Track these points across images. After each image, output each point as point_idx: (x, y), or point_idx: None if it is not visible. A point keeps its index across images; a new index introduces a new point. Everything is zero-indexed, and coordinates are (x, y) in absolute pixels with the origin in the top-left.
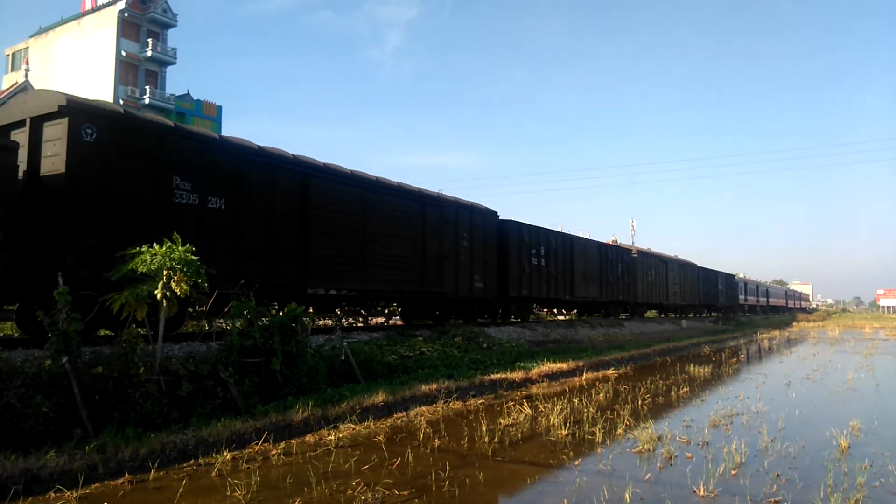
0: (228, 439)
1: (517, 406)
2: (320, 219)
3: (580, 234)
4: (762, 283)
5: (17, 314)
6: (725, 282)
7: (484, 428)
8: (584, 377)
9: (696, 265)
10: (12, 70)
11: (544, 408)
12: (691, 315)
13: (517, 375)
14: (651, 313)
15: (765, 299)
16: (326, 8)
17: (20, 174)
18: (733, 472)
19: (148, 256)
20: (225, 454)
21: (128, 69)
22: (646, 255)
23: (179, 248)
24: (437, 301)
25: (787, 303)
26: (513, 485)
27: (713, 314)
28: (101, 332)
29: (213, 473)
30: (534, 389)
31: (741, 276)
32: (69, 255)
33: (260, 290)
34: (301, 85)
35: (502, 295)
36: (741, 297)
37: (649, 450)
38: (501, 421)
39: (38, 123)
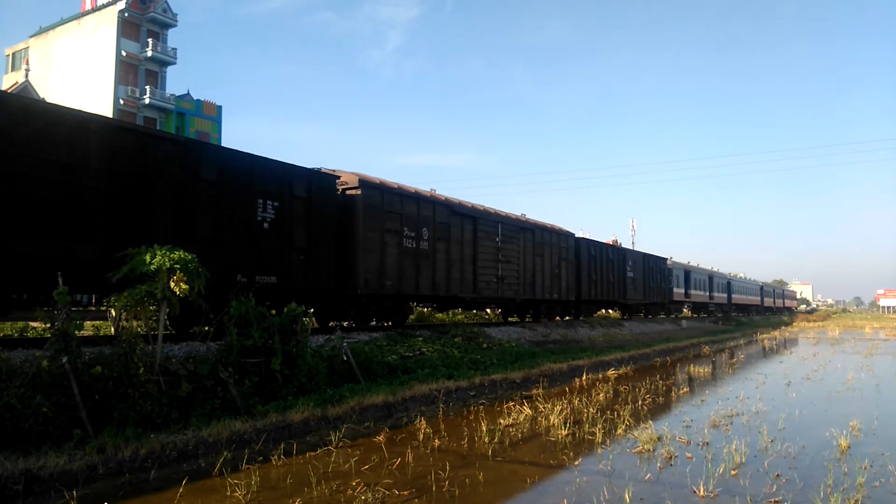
0: (228, 439)
1: (517, 406)
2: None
3: (580, 235)
4: (719, 273)
5: None
6: (644, 266)
7: (484, 428)
8: (584, 377)
9: (571, 234)
10: (12, 70)
11: (544, 408)
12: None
13: (517, 375)
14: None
15: (723, 295)
16: (327, 8)
17: None
18: (733, 473)
19: (148, 257)
20: (225, 454)
21: (128, 69)
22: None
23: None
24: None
25: (763, 301)
26: (513, 485)
27: (611, 312)
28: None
29: (213, 473)
30: (534, 389)
31: (676, 261)
32: None
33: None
34: (301, 85)
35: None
36: (678, 289)
37: (649, 450)
38: (501, 421)
39: None
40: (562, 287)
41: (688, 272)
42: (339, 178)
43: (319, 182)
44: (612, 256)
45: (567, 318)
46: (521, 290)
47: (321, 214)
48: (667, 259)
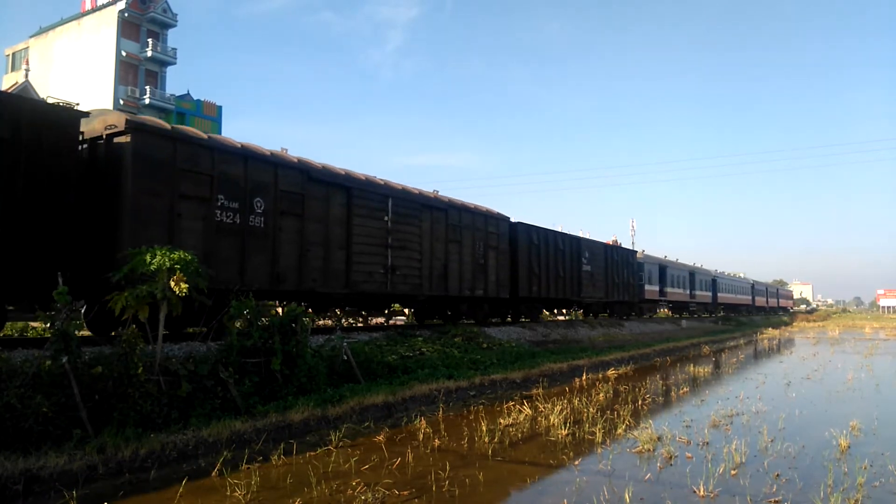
0: (228, 439)
1: (517, 406)
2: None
3: (579, 234)
4: (702, 270)
5: None
6: (607, 259)
7: (484, 428)
8: (584, 377)
9: (504, 218)
10: (12, 70)
11: (544, 408)
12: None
13: (517, 375)
14: None
15: (707, 294)
16: (327, 8)
17: None
18: (733, 473)
19: (148, 257)
20: (225, 454)
21: (128, 69)
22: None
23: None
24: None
25: (754, 300)
26: (513, 485)
27: (565, 314)
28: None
29: (213, 473)
30: (534, 389)
31: (650, 255)
32: None
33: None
34: (301, 85)
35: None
36: (651, 287)
37: (649, 450)
38: (501, 421)
39: None
40: (489, 282)
41: (663, 267)
42: (86, 114)
43: (39, 117)
44: (563, 247)
45: (495, 319)
46: (426, 284)
47: (41, 168)
48: (637, 252)
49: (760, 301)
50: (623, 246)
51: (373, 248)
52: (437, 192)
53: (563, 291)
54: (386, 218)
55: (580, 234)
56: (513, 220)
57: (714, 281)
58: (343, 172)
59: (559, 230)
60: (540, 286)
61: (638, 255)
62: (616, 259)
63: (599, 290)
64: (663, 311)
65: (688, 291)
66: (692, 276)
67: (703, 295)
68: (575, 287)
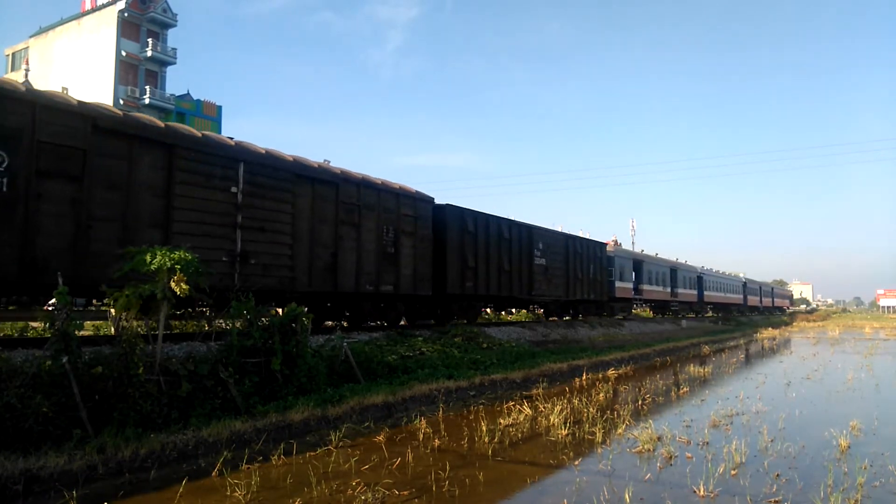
0: (228, 439)
1: (517, 406)
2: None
3: (579, 235)
4: (686, 266)
5: None
6: (567, 252)
7: (484, 428)
8: (584, 377)
9: (427, 199)
10: (12, 70)
11: (544, 408)
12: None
13: (517, 375)
14: None
15: (692, 292)
16: (327, 8)
17: None
18: (733, 473)
19: (148, 257)
20: (225, 454)
21: (128, 69)
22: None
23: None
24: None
25: (746, 299)
26: (513, 485)
27: (519, 313)
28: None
29: (214, 473)
30: (534, 389)
31: (624, 248)
32: None
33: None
34: (301, 85)
35: None
36: (623, 283)
37: (649, 450)
38: (501, 421)
39: None
40: (402, 276)
41: (639, 262)
42: None
43: None
44: (508, 235)
45: (420, 321)
46: (302, 277)
47: None
48: (606, 244)
49: (753, 300)
50: (584, 237)
51: (212, 227)
52: (328, 161)
53: (508, 289)
54: (235, 189)
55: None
56: (442, 201)
57: (700, 278)
58: (163, 126)
59: (512, 219)
60: (477, 282)
61: (608, 248)
62: (580, 252)
63: (557, 287)
64: (641, 312)
65: (668, 289)
66: (674, 272)
67: (687, 293)
68: (525, 283)
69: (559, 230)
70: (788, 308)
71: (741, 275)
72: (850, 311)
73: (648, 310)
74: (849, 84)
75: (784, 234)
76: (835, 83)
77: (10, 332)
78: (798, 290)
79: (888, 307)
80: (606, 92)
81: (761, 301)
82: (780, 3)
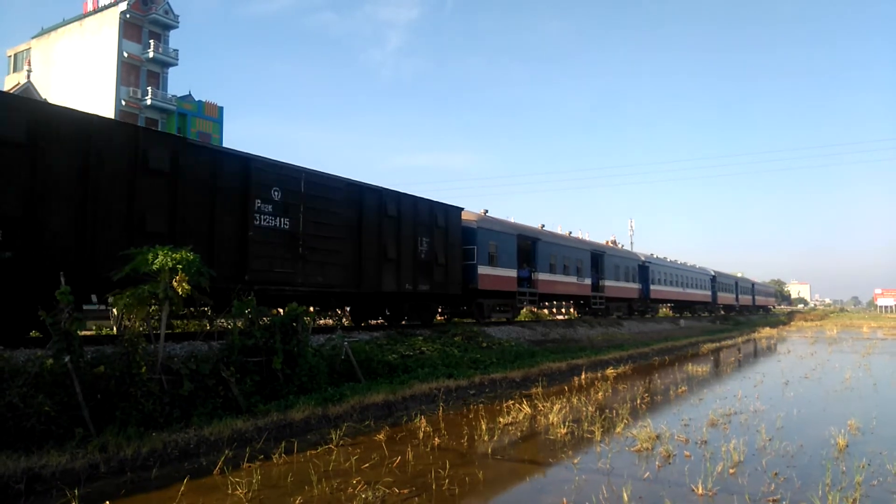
0: (230, 438)
1: (516, 405)
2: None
3: (579, 235)
4: (623, 253)
5: None
6: (359, 216)
7: (484, 427)
8: (583, 376)
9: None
10: (14, 71)
11: (543, 407)
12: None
13: (517, 374)
14: None
15: (634, 286)
16: (327, 9)
17: None
18: (732, 471)
19: (150, 256)
20: (226, 453)
21: (129, 70)
22: None
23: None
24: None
25: (715, 297)
26: (512, 483)
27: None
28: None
29: (215, 472)
30: (533, 388)
31: (507, 221)
32: None
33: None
34: (302, 85)
35: None
36: (493, 270)
37: (648, 448)
38: (501, 420)
39: None
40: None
41: (534, 241)
42: None
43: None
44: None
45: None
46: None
47: None
48: (461, 209)
49: (726, 298)
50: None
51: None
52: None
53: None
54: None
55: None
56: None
57: (644, 269)
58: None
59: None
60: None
61: (466, 217)
62: (393, 216)
63: (333, 270)
64: (542, 313)
65: (588, 281)
66: (598, 259)
67: (628, 287)
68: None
69: (342, 176)
70: (773, 307)
71: (742, 273)
72: (847, 311)
73: (548, 311)
74: (849, 84)
75: (783, 234)
76: (835, 83)
77: None
78: (796, 289)
79: (886, 307)
80: (606, 92)
81: (737, 299)
82: (780, 3)
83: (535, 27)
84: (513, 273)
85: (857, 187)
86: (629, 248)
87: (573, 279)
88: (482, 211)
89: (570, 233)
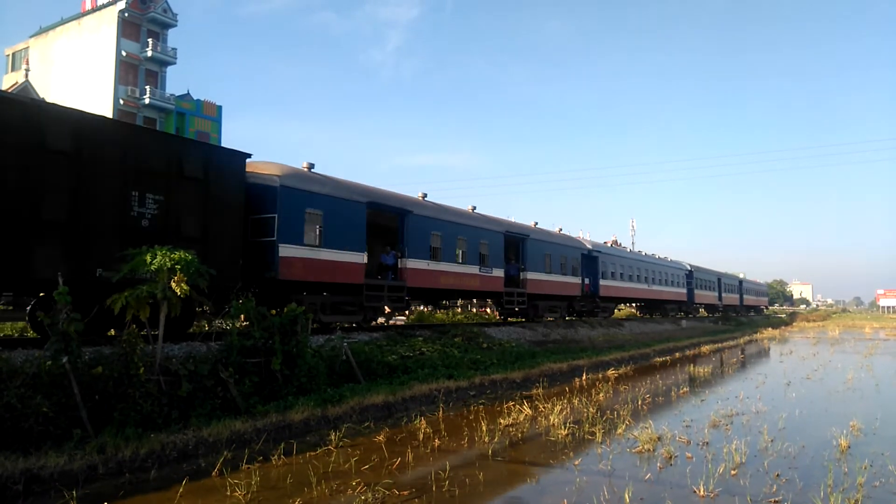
0: (229, 439)
1: (517, 406)
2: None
3: (579, 236)
4: (562, 239)
5: None
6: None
7: (484, 428)
8: (584, 377)
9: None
10: (12, 70)
11: (544, 408)
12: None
13: (517, 375)
14: None
15: (575, 280)
16: (327, 8)
17: None
18: (733, 472)
19: (148, 257)
20: (225, 454)
21: (128, 69)
22: None
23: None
24: None
25: (692, 295)
26: (513, 485)
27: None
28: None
29: (214, 473)
30: (534, 389)
31: (618, 245)
32: None
33: None
34: (302, 85)
35: None
36: (278, 252)
37: (649, 450)
38: (501, 421)
39: None
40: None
41: (401, 214)
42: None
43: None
44: None
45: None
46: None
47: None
48: (247, 156)
49: (706, 297)
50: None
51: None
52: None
53: None
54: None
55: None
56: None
57: (592, 259)
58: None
59: None
60: None
61: (262, 170)
62: (77, 149)
63: None
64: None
65: (501, 272)
66: (520, 243)
67: (560, 282)
68: None
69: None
70: (767, 309)
71: (741, 272)
72: (850, 311)
73: (442, 311)
74: (849, 84)
75: (784, 234)
76: (835, 83)
77: (10, 332)
78: (798, 289)
79: (888, 307)
80: (607, 91)
81: (720, 298)
82: (780, 4)
83: (535, 27)
84: (359, 258)
85: (859, 187)
86: (632, 249)
87: (474, 269)
88: (612, 242)
89: (564, 230)
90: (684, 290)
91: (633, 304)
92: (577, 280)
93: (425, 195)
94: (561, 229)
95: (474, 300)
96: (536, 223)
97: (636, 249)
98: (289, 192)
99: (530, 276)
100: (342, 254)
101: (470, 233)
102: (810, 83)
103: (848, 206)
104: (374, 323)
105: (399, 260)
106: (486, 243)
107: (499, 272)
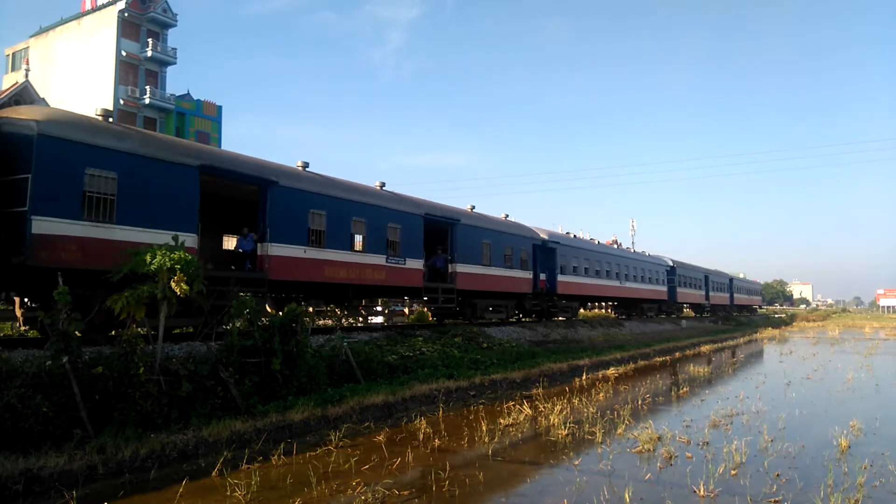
0: (228, 439)
1: (517, 406)
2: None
3: (579, 236)
4: (510, 227)
5: None
6: None
7: (484, 428)
8: (584, 377)
9: None
10: (12, 70)
11: (544, 408)
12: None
13: (517, 375)
14: None
15: (525, 276)
16: (327, 8)
17: None
18: (733, 472)
19: (148, 257)
20: (225, 454)
21: (128, 69)
22: None
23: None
24: None
25: (674, 293)
26: (513, 485)
27: None
28: None
29: (214, 473)
30: (534, 389)
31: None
32: None
33: None
34: (302, 85)
35: None
36: (31, 228)
37: (649, 450)
38: (501, 421)
39: None
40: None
41: (264, 185)
42: None
43: None
44: None
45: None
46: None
47: None
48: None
49: (690, 295)
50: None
51: None
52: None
53: None
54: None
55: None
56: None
57: (549, 251)
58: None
59: None
60: None
61: (17, 115)
62: None
63: None
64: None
65: (419, 264)
66: (449, 230)
67: (507, 277)
68: None
69: None
70: (760, 308)
71: (732, 268)
72: (850, 311)
73: (357, 319)
74: (849, 84)
75: (784, 234)
76: (835, 83)
77: (9, 332)
78: (798, 289)
79: (888, 307)
80: (607, 91)
81: (708, 297)
82: (781, 3)
83: (537, 28)
84: (188, 241)
85: (860, 187)
86: (633, 249)
87: (378, 259)
88: (612, 241)
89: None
90: (664, 288)
91: (607, 305)
92: (528, 275)
93: (306, 164)
94: (507, 216)
95: (380, 299)
96: (473, 207)
97: (638, 250)
98: (52, 145)
99: (461, 268)
100: (156, 234)
101: (372, 213)
102: (811, 83)
103: (848, 206)
104: (223, 328)
105: (259, 245)
106: (398, 228)
107: (416, 263)
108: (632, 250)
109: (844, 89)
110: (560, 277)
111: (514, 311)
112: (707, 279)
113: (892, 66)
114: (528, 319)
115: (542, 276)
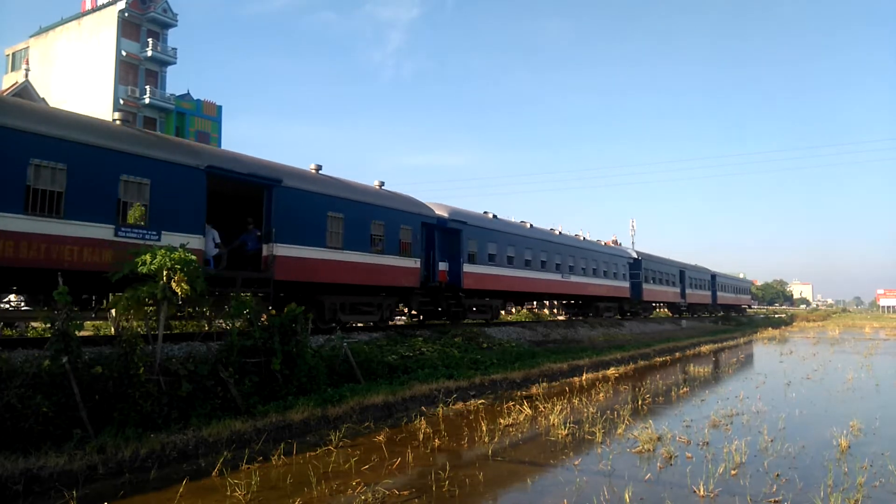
0: (228, 439)
1: (517, 406)
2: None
3: (579, 235)
4: (332, 187)
5: None
6: None
7: (484, 428)
8: (584, 377)
9: None
10: (12, 70)
11: (544, 408)
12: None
13: (517, 375)
14: None
15: (416, 266)
16: (327, 8)
17: None
18: (733, 472)
19: (148, 257)
20: (225, 454)
21: (128, 69)
22: None
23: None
24: None
25: (640, 290)
26: (513, 485)
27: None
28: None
29: (214, 473)
30: (534, 389)
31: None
32: None
33: None
34: (302, 85)
35: None
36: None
37: (649, 450)
38: (501, 421)
39: None
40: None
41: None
42: None
43: None
44: None
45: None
46: None
47: None
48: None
49: (661, 293)
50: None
51: None
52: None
53: None
54: None
55: (581, 235)
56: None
57: (452, 234)
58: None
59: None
60: None
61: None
62: None
63: None
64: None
65: (207, 244)
66: (265, 194)
67: (374, 266)
68: None
69: None
70: (749, 308)
71: (714, 264)
72: (850, 311)
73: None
74: (849, 84)
75: (785, 234)
76: (835, 83)
77: (9, 332)
78: (798, 289)
79: (888, 307)
80: (607, 91)
81: (684, 295)
82: (781, 3)
83: (537, 28)
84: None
85: (859, 187)
86: (630, 248)
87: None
88: (613, 241)
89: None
90: (626, 285)
91: (553, 303)
92: (412, 263)
93: (319, 167)
94: (582, 232)
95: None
96: (320, 168)
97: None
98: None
99: (283, 251)
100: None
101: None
102: (812, 83)
103: (848, 206)
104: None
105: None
106: (145, 182)
107: (198, 243)
108: (581, 237)
109: (844, 89)
110: (467, 268)
111: (390, 313)
112: (683, 275)
113: (892, 66)
114: (416, 322)
115: (442, 266)
